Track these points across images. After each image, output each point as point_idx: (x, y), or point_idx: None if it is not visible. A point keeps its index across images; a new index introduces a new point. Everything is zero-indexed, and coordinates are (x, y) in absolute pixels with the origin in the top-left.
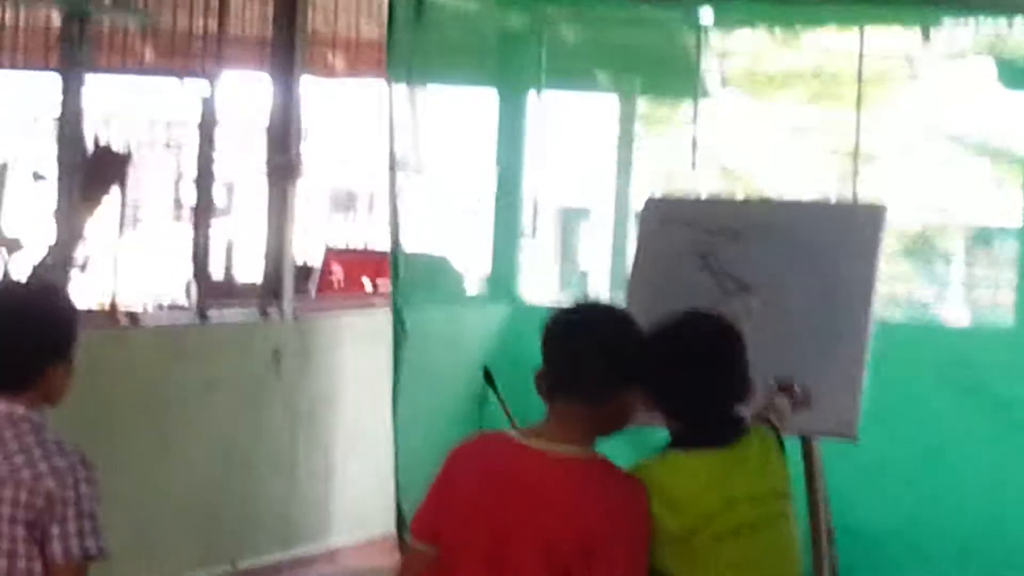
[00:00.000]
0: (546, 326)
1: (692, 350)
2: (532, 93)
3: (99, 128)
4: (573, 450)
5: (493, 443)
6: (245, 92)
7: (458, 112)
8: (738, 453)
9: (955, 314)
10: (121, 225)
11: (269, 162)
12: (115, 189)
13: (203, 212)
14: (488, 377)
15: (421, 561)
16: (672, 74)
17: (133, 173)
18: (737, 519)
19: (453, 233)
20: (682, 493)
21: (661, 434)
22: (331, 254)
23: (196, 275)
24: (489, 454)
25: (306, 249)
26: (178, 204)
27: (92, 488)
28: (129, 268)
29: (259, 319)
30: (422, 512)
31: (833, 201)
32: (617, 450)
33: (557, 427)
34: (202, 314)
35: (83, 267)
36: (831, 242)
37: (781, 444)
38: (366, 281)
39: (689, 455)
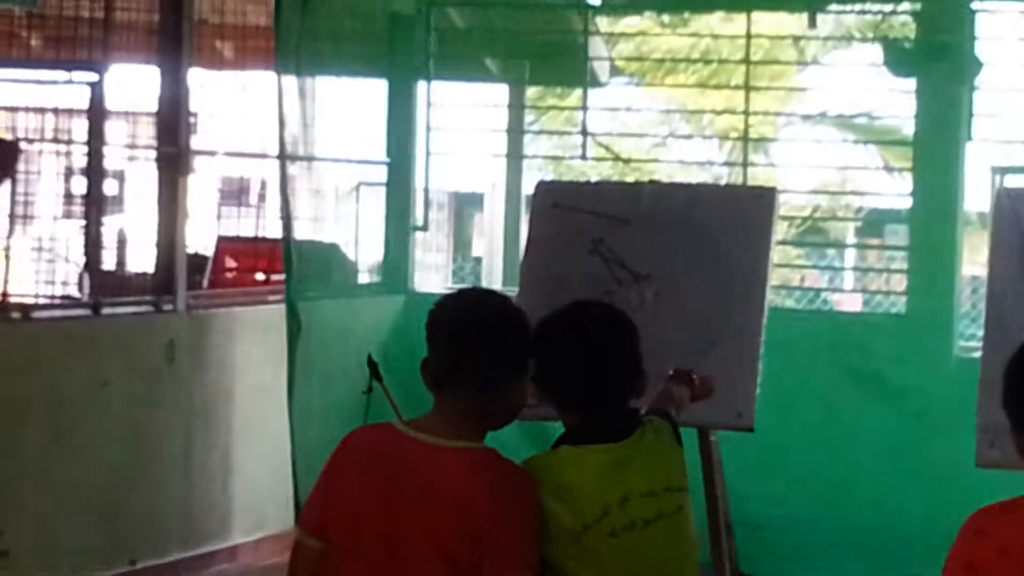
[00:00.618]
0: (430, 314)
1: (582, 342)
2: (422, 82)
3: None
4: (460, 443)
5: (379, 436)
6: (134, 82)
7: (348, 100)
8: (632, 448)
9: (848, 300)
10: (11, 217)
11: (159, 153)
12: (4, 181)
13: (94, 204)
14: (372, 367)
15: (309, 554)
16: (561, 59)
17: (23, 166)
18: (631, 515)
19: (345, 223)
20: (575, 489)
21: (560, 429)
22: (224, 244)
23: (88, 268)
24: (375, 447)
25: (199, 240)
26: (69, 196)
27: None
28: (21, 261)
29: (153, 312)
30: (309, 506)
31: (724, 185)
32: (518, 444)
33: (443, 420)
34: (95, 307)
35: None
36: (722, 227)
37: (678, 436)
38: (260, 275)
39: (581, 450)
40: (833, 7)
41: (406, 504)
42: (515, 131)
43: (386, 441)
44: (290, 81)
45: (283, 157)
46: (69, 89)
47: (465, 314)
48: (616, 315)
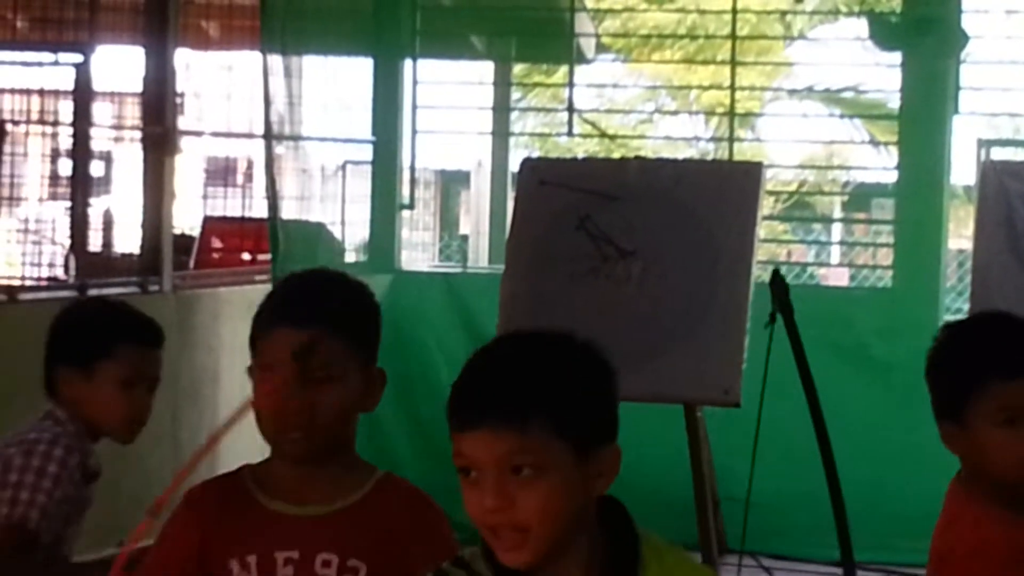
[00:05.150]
0: None
1: None
2: (408, 61)
3: None
4: None
5: None
6: (120, 63)
7: (334, 79)
8: None
9: (834, 275)
10: None
11: (144, 133)
12: None
13: (80, 185)
14: None
15: None
16: (547, 36)
17: (9, 147)
18: None
19: (332, 203)
20: None
21: None
22: (210, 224)
23: (74, 249)
24: None
25: (185, 220)
26: (55, 178)
27: None
28: (7, 243)
29: (139, 293)
30: None
31: (710, 160)
32: None
33: None
34: (81, 289)
35: None
36: (709, 202)
37: None
38: (246, 255)
39: None
40: None
41: None
42: (501, 109)
43: None
44: (276, 60)
45: (269, 137)
46: (55, 70)
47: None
48: None
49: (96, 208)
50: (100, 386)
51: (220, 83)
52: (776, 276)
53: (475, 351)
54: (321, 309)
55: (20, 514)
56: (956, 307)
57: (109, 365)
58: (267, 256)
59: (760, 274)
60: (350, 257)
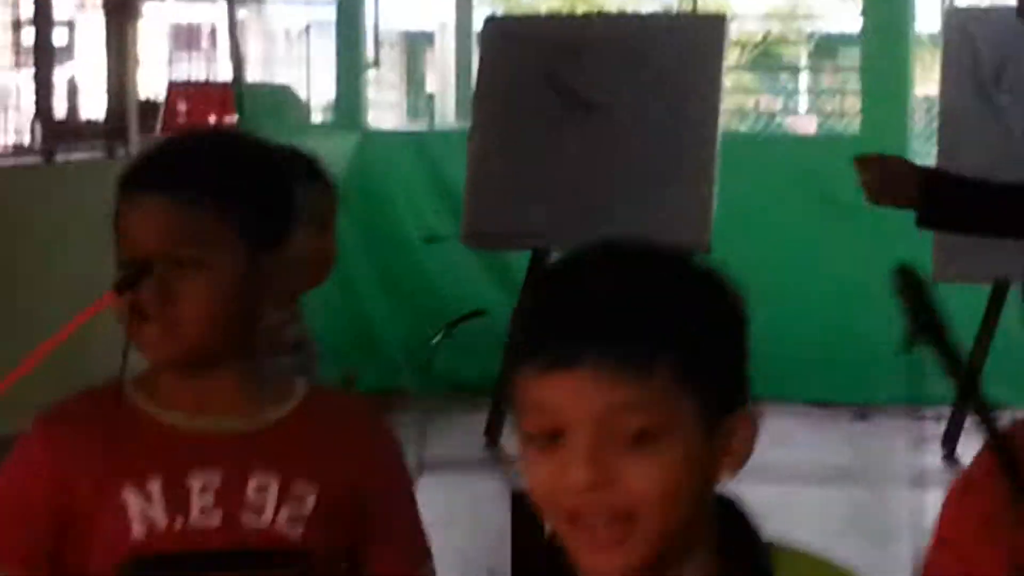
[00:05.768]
0: None
1: None
2: None
3: None
4: None
5: None
6: None
7: None
8: None
9: (802, 123)
10: None
11: (106, 0)
12: None
13: (44, 53)
14: None
15: None
16: None
17: None
18: None
19: (296, 65)
20: None
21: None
22: (175, 90)
23: (40, 116)
24: None
25: (150, 86)
26: (18, 46)
27: None
28: None
29: (106, 159)
30: None
31: (674, 13)
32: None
33: None
34: (48, 155)
35: None
36: (674, 55)
37: None
38: (212, 119)
39: None
40: None
41: None
42: None
43: None
44: None
45: (232, 0)
46: None
47: None
48: None
49: (61, 75)
50: None
51: None
52: (904, 274)
53: (555, 263)
54: (195, 170)
55: None
56: (924, 151)
57: None
58: (233, 119)
59: (729, 123)
60: (316, 118)
